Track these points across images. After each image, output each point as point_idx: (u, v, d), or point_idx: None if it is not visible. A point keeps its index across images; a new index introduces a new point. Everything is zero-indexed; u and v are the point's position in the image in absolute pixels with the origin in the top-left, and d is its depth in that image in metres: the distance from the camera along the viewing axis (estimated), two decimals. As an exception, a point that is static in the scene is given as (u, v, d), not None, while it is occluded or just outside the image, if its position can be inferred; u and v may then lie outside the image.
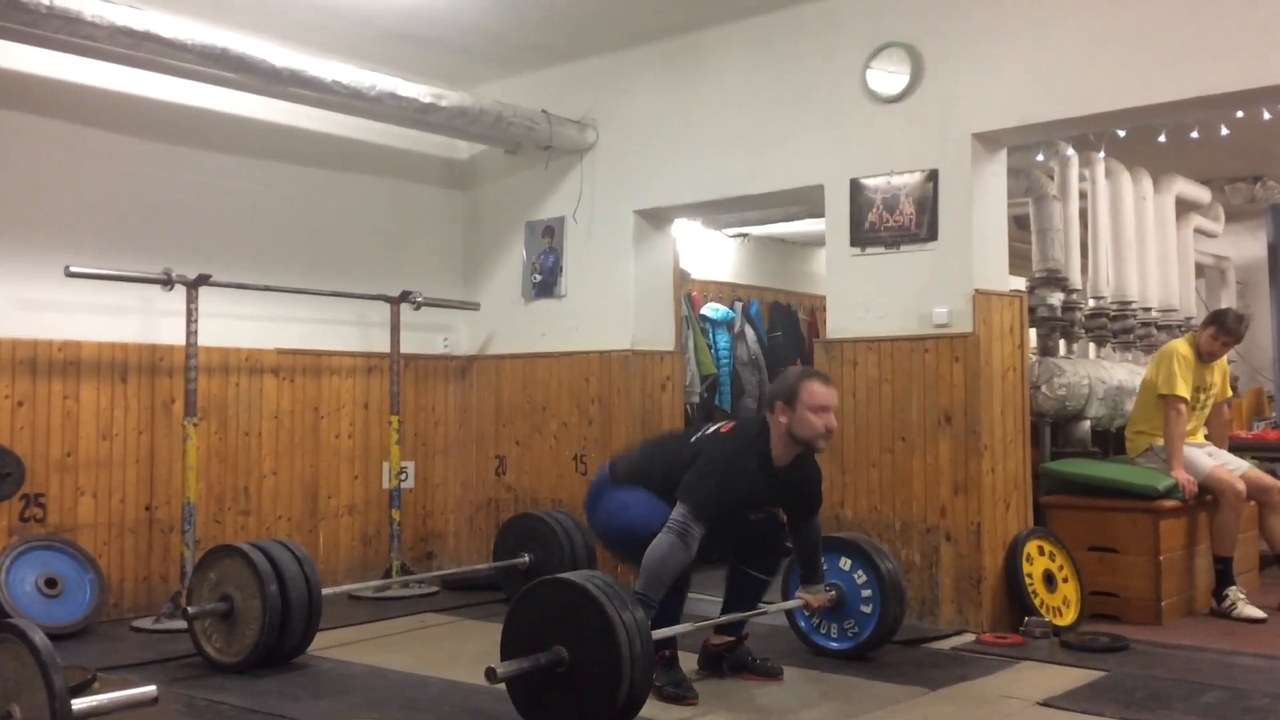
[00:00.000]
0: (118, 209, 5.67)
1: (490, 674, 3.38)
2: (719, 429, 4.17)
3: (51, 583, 5.10)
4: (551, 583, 3.60)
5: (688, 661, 4.34)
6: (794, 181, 5.75)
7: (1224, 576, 5.52)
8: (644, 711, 3.84)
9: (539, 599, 3.57)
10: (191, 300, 5.46)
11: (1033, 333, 6.37)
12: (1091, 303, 7.17)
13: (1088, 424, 6.47)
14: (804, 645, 4.68)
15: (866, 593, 4.54)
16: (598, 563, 5.87)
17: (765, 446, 4.06)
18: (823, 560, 4.47)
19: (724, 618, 4.34)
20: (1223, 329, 5.78)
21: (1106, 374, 6.58)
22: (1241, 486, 5.58)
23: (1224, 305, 8.19)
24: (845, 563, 4.61)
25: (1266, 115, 6.57)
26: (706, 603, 5.40)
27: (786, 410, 4.00)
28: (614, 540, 4.22)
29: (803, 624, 4.70)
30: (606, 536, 4.27)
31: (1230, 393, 6.41)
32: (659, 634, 3.69)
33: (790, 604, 4.50)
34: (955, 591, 5.14)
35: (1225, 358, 6.05)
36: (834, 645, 4.61)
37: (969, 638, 4.96)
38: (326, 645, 4.82)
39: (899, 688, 4.17)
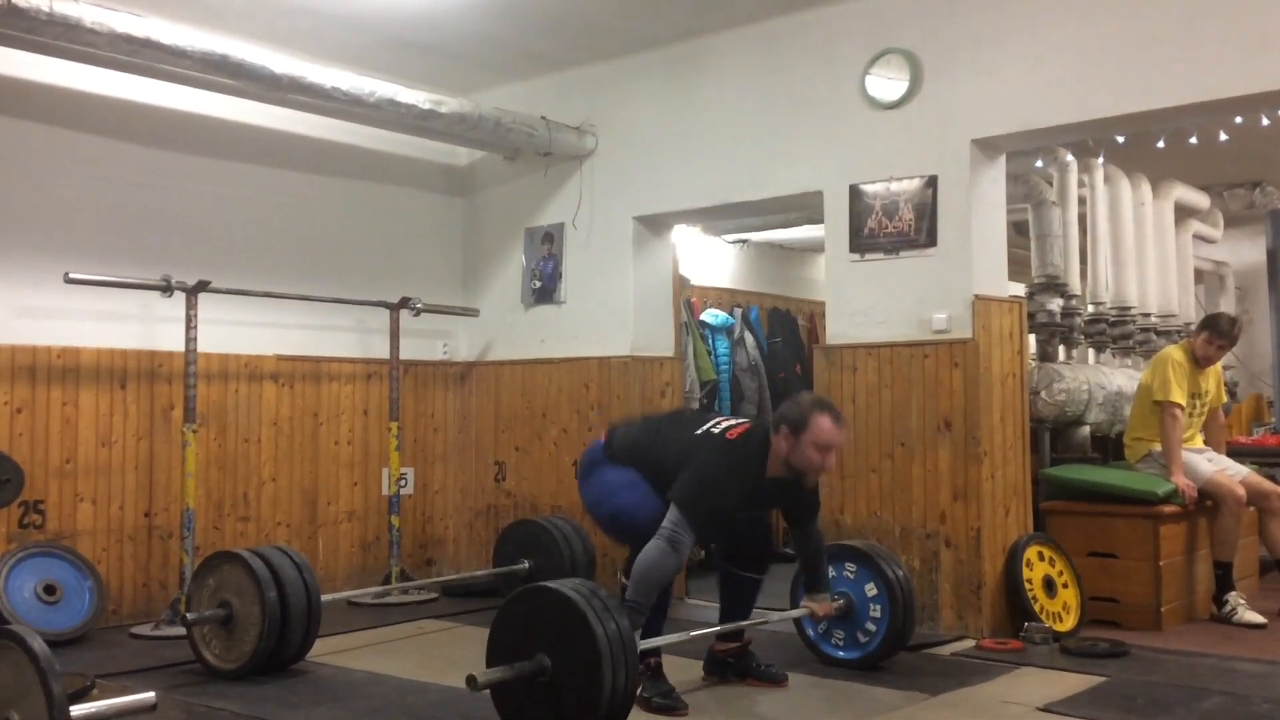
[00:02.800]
0: (117, 215, 5.67)
1: (471, 681, 3.37)
2: (726, 431, 4.05)
3: (50, 589, 5.09)
4: (535, 591, 3.59)
5: (692, 669, 4.34)
6: (793, 188, 5.75)
7: (1224, 582, 5.52)
8: (642, 718, 3.85)
9: (523, 607, 3.57)
10: (191, 306, 5.46)
11: (1032, 338, 6.37)
12: (1091, 308, 7.17)
13: (1087, 429, 6.47)
14: (812, 655, 4.64)
15: (875, 603, 4.50)
16: (597, 569, 5.88)
17: (763, 460, 4.02)
18: (828, 567, 4.44)
19: (724, 627, 4.32)
20: (1216, 333, 5.78)
21: (1106, 379, 6.58)
22: (1241, 492, 5.58)
23: (1223, 311, 8.19)
24: (852, 570, 4.56)
25: (1265, 121, 6.59)
26: (706, 609, 5.41)
27: (791, 438, 3.94)
28: (599, 519, 4.24)
29: (810, 633, 4.67)
30: (594, 515, 4.28)
31: (1225, 398, 6.41)
32: (644, 644, 3.67)
33: (796, 613, 4.49)
34: (955, 597, 5.13)
35: (1220, 364, 6.06)
36: (842, 655, 4.58)
37: (969, 643, 4.96)
38: (326, 652, 4.81)
39: (899, 694, 4.17)
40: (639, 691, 3.96)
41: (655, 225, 6.50)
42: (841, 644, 4.59)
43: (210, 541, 5.74)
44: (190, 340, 5.46)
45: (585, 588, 3.52)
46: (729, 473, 3.94)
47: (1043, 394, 6.09)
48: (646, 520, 3.88)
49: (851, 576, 4.56)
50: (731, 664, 4.35)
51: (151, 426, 5.70)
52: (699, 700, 4.07)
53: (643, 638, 4.03)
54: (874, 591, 4.50)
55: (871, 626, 4.50)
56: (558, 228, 6.70)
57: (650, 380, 6.38)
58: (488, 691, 3.43)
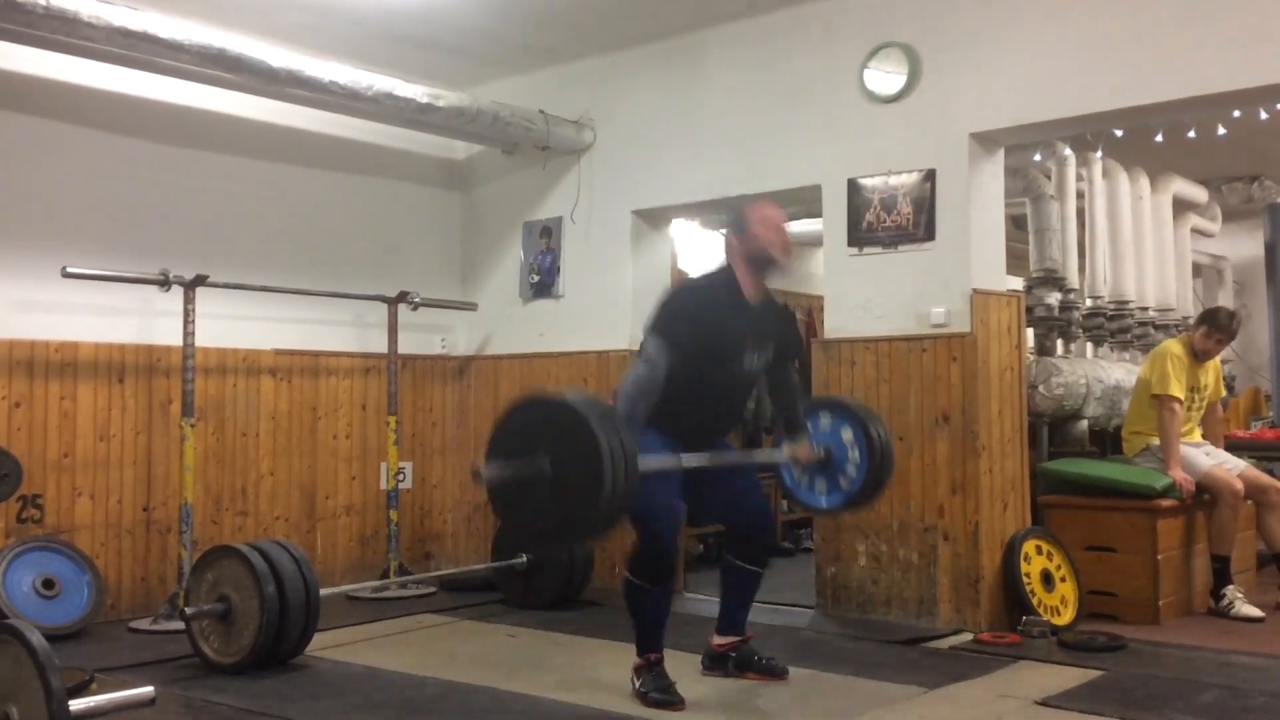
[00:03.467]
0: (115, 209, 5.66)
1: (476, 474, 3.45)
2: None
3: (49, 584, 5.09)
4: (538, 400, 3.67)
5: (690, 662, 4.34)
6: (791, 181, 5.75)
7: (1222, 576, 5.53)
8: (639, 712, 3.86)
9: (525, 415, 3.59)
10: (189, 301, 5.45)
11: (1030, 332, 6.37)
12: (1089, 302, 7.18)
13: (1085, 424, 6.48)
14: (792, 503, 4.61)
15: (853, 447, 4.40)
16: (594, 564, 5.88)
17: (732, 278, 4.06)
18: (805, 412, 4.37)
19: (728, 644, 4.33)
20: (1215, 326, 5.79)
21: (1104, 373, 6.59)
22: (1239, 486, 5.59)
23: (1221, 305, 8.20)
24: (827, 421, 4.44)
25: (1264, 115, 6.58)
26: (705, 603, 5.42)
27: (740, 235, 4.06)
28: None
29: (788, 481, 4.57)
30: None
31: (1224, 392, 6.42)
32: (644, 463, 3.56)
33: (779, 456, 4.40)
34: (953, 591, 5.14)
35: (1219, 358, 6.06)
36: (827, 502, 4.49)
37: (967, 637, 4.97)
38: (324, 646, 4.81)
39: (897, 687, 4.17)
40: (636, 685, 3.97)
41: (654, 219, 6.50)
42: (825, 492, 4.48)
43: (208, 536, 5.74)
44: (188, 334, 5.46)
45: (589, 399, 3.53)
46: (697, 292, 4.04)
47: (1041, 388, 6.10)
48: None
49: (827, 428, 4.47)
50: (732, 658, 4.34)
51: (150, 421, 5.70)
52: (697, 694, 4.07)
53: (649, 626, 4.03)
54: (850, 436, 4.43)
55: (852, 470, 4.41)
56: (556, 221, 6.70)
57: (649, 374, 6.37)
58: (474, 485, 3.52)
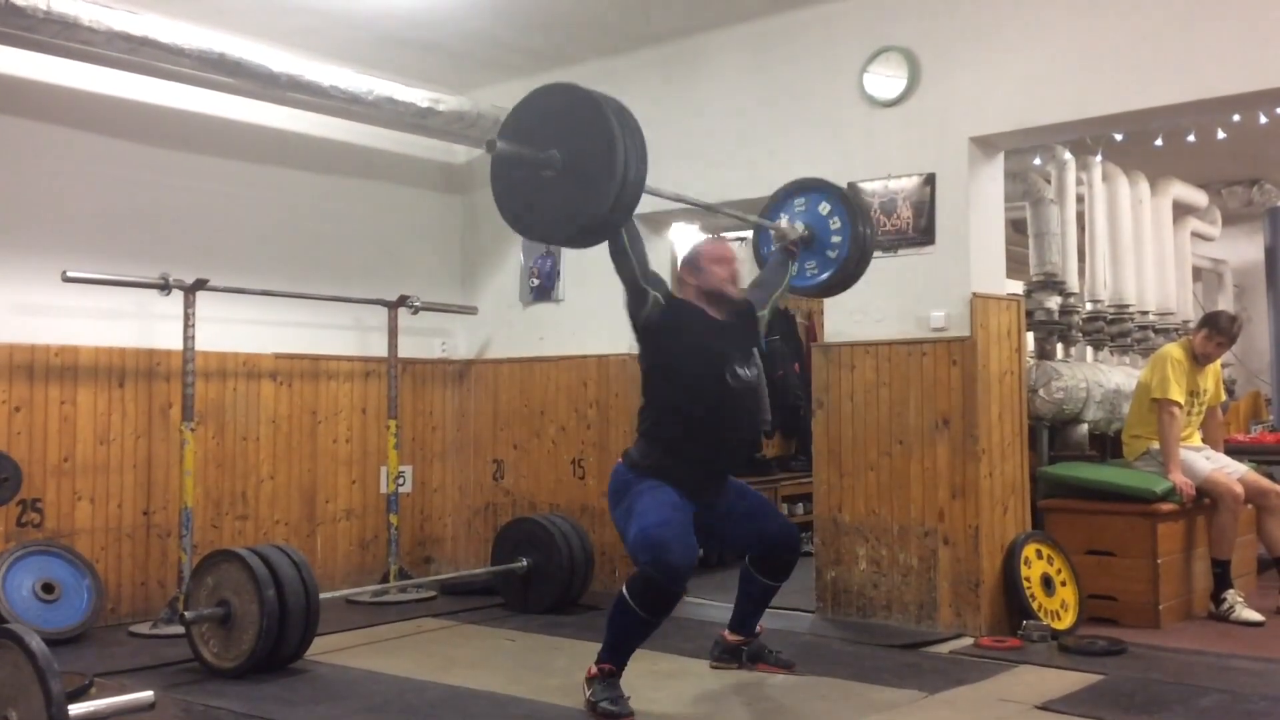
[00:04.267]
0: (115, 214, 5.66)
1: (490, 144, 3.53)
2: None
3: (49, 588, 5.09)
4: (559, 88, 3.73)
5: (690, 666, 4.34)
6: (792, 185, 5.75)
7: (1222, 580, 5.52)
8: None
9: (545, 101, 3.68)
10: (189, 305, 5.46)
11: (1030, 336, 6.37)
12: (1089, 306, 7.17)
13: (1085, 427, 6.47)
14: (794, 293, 4.74)
15: (832, 217, 4.52)
16: (595, 567, 5.88)
17: (696, 308, 4.17)
18: (800, 198, 4.57)
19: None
20: (1216, 330, 5.79)
21: (1104, 377, 6.59)
22: (1239, 490, 5.58)
23: (1221, 308, 8.20)
24: (824, 208, 4.58)
25: (1263, 119, 6.59)
26: (713, 608, 5.41)
27: (693, 273, 4.21)
28: (627, 544, 4.03)
29: (765, 253, 4.74)
30: (623, 540, 4.08)
31: (1224, 396, 6.41)
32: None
33: (763, 223, 4.57)
34: (953, 595, 5.14)
35: (1219, 362, 6.06)
36: (821, 277, 4.60)
37: (967, 641, 4.96)
38: (324, 650, 4.81)
39: (897, 691, 4.17)
40: (587, 693, 3.91)
41: (654, 223, 6.49)
42: (816, 270, 4.59)
43: (208, 540, 5.74)
44: (188, 338, 5.46)
45: (614, 101, 3.64)
46: (680, 305, 4.15)
47: (1041, 392, 6.09)
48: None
49: (803, 208, 4.57)
50: (745, 650, 4.43)
51: (150, 425, 5.70)
52: (695, 693, 4.07)
53: (623, 646, 3.96)
54: (827, 208, 4.53)
55: (836, 239, 4.51)
56: (556, 226, 6.69)
57: (649, 378, 6.38)
58: (487, 153, 3.60)
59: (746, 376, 4.12)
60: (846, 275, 4.59)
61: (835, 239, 4.53)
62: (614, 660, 3.91)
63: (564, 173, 3.56)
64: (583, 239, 3.80)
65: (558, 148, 3.56)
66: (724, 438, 4.11)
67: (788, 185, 4.75)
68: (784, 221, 4.58)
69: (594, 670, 3.92)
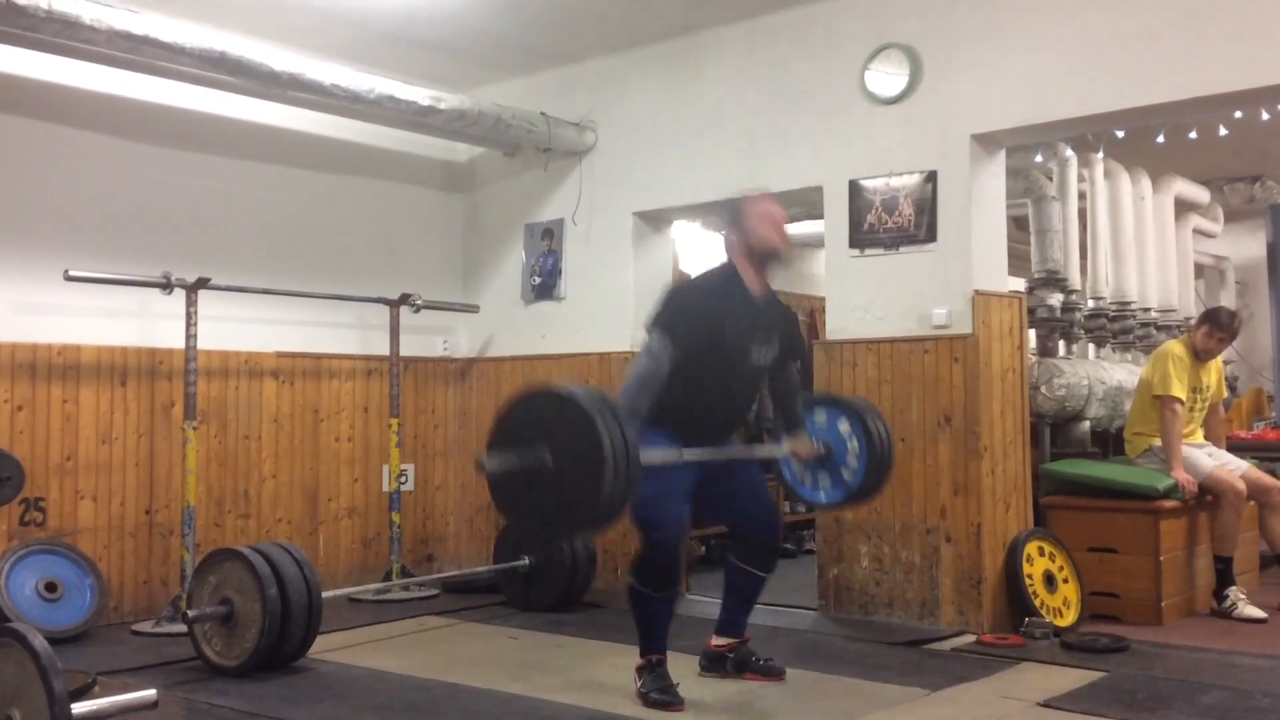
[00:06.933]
0: (117, 213, 5.66)
1: (479, 465, 3.51)
2: None
3: (51, 586, 5.10)
4: (542, 393, 3.67)
5: (692, 663, 4.34)
6: (793, 183, 5.74)
7: (1224, 576, 5.52)
8: (641, 713, 3.86)
9: (527, 408, 3.62)
10: (191, 303, 5.46)
11: (1032, 333, 6.37)
12: (1091, 303, 7.17)
13: (1087, 424, 6.47)
14: (795, 500, 4.63)
15: (851, 438, 4.38)
16: (597, 566, 5.88)
17: (735, 273, 4.06)
18: (803, 408, 4.38)
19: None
20: (1217, 326, 5.79)
21: (1106, 374, 6.59)
22: (1242, 486, 5.58)
23: (1223, 305, 8.19)
24: (823, 418, 4.45)
25: (1265, 115, 6.58)
26: (708, 604, 5.41)
27: (737, 229, 4.06)
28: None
29: (789, 478, 4.56)
30: None
31: (1226, 393, 6.41)
32: (645, 458, 3.53)
33: (779, 451, 4.41)
34: (955, 592, 5.14)
35: (1221, 358, 6.06)
36: (824, 497, 4.48)
37: (969, 638, 4.96)
38: (327, 648, 4.81)
39: (899, 689, 4.17)
40: (638, 685, 3.97)
41: (655, 220, 6.50)
42: (828, 487, 4.46)
43: (211, 538, 5.74)
44: (190, 337, 5.46)
45: (590, 391, 3.53)
46: (699, 284, 4.06)
47: (1043, 389, 6.09)
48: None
49: (823, 424, 4.46)
50: (730, 659, 4.32)
51: (152, 423, 5.70)
52: (697, 695, 4.07)
53: (653, 632, 4.03)
54: (846, 428, 4.41)
55: (853, 461, 4.39)
56: (557, 223, 6.70)
57: (650, 376, 6.37)
58: (477, 475, 3.61)
59: (762, 359, 4.08)
60: (855, 501, 4.48)
61: (851, 462, 4.37)
62: (653, 648, 3.97)
63: (557, 473, 3.43)
64: (596, 527, 3.72)
65: (547, 449, 3.45)
66: (724, 406, 4.10)
67: (816, 396, 4.68)
68: (802, 444, 4.34)
69: (640, 663, 4.00)
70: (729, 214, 4.16)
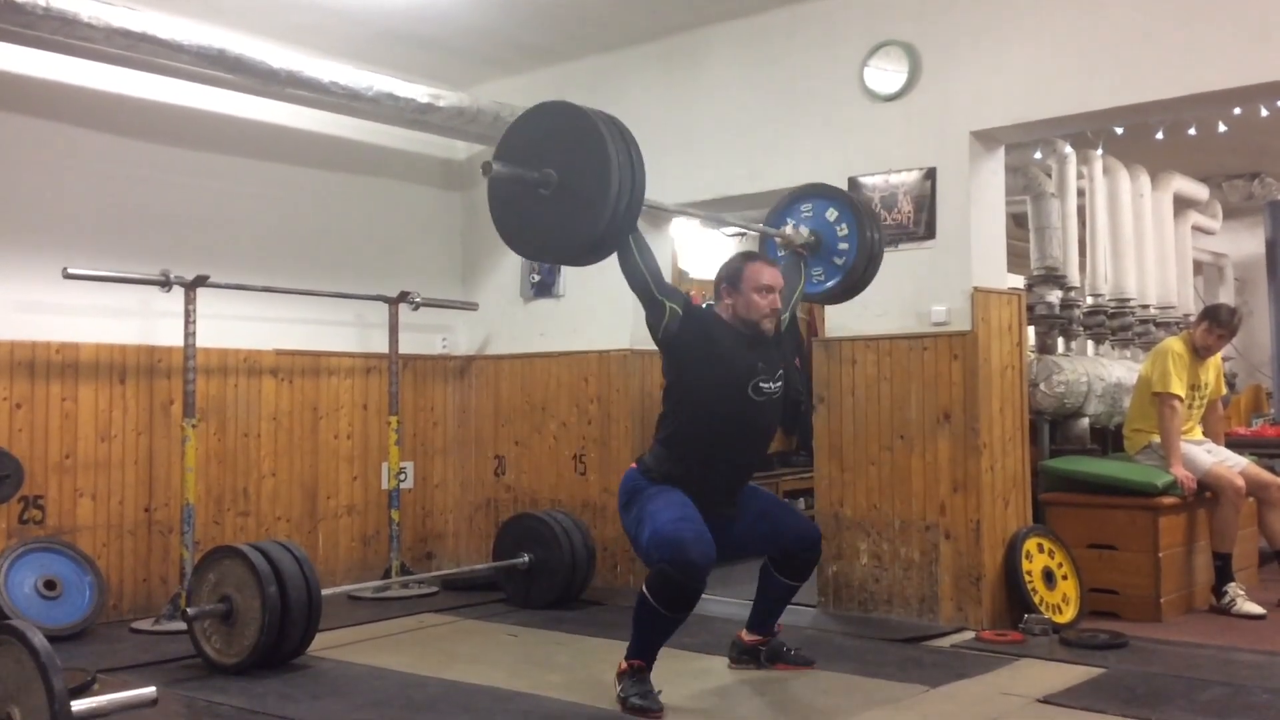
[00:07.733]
0: (115, 210, 5.66)
1: (486, 166, 3.53)
2: None
3: (51, 584, 5.09)
4: (553, 107, 3.70)
5: (695, 661, 4.34)
6: (792, 180, 5.71)
7: (1223, 573, 5.52)
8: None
9: (540, 121, 3.66)
10: (190, 301, 5.45)
11: (1031, 330, 6.38)
12: (1090, 300, 7.18)
13: (1086, 421, 6.48)
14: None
15: (840, 223, 4.45)
16: (596, 563, 5.88)
17: (723, 323, 4.08)
18: (806, 204, 4.52)
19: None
20: (1216, 323, 5.80)
21: (1105, 371, 6.59)
22: (1241, 483, 5.58)
23: (1222, 302, 8.20)
24: (831, 213, 4.51)
25: (1264, 112, 6.57)
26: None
27: (731, 293, 4.07)
28: (637, 548, 4.03)
29: (773, 258, 4.54)
30: (633, 544, 4.06)
31: (1225, 390, 6.42)
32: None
33: (768, 230, 4.48)
34: (955, 589, 5.14)
35: (1220, 355, 6.06)
36: (827, 284, 4.52)
37: (968, 635, 4.97)
38: (326, 646, 4.82)
39: (898, 685, 4.17)
40: (617, 689, 3.93)
41: (654, 218, 6.49)
42: (822, 276, 4.52)
43: (210, 536, 5.74)
44: (189, 335, 5.45)
45: (611, 121, 3.57)
46: (710, 315, 4.11)
47: (1042, 386, 6.10)
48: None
49: (809, 213, 4.50)
50: (763, 651, 4.41)
51: (151, 421, 5.70)
52: (699, 691, 4.08)
53: (649, 643, 3.94)
54: (834, 214, 4.46)
55: (844, 245, 4.44)
56: (556, 221, 6.68)
57: (650, 373, 6.37)
58: (483, 176, 3.58)
59: (770, 390, 4.05)
60: (854, 281, 4.52)
61: (842, 245, 4.45)
62: (642, 656, 3.92)
63: (561, 191, 3.52)
64: (585, 257, 3.73)
65: (553, 166, 3.52)
66: (741, 451, 4.09)
67: (794, 191, 4.70)
68: (789, 228, 4.53)
69: (624, 666, 3.94)
70: (726, 274, 4.12)
